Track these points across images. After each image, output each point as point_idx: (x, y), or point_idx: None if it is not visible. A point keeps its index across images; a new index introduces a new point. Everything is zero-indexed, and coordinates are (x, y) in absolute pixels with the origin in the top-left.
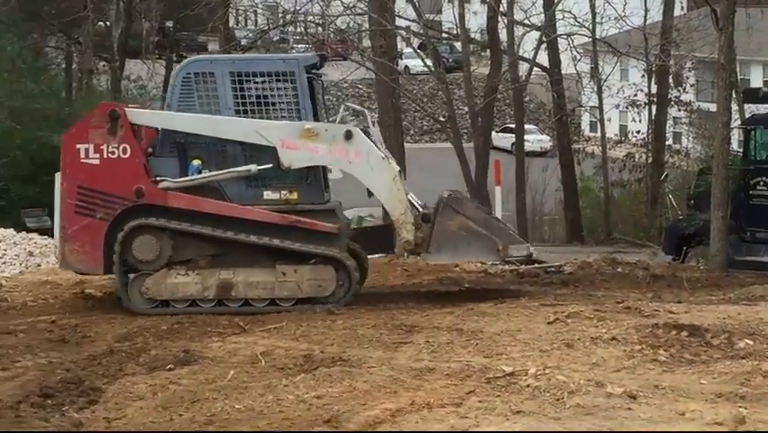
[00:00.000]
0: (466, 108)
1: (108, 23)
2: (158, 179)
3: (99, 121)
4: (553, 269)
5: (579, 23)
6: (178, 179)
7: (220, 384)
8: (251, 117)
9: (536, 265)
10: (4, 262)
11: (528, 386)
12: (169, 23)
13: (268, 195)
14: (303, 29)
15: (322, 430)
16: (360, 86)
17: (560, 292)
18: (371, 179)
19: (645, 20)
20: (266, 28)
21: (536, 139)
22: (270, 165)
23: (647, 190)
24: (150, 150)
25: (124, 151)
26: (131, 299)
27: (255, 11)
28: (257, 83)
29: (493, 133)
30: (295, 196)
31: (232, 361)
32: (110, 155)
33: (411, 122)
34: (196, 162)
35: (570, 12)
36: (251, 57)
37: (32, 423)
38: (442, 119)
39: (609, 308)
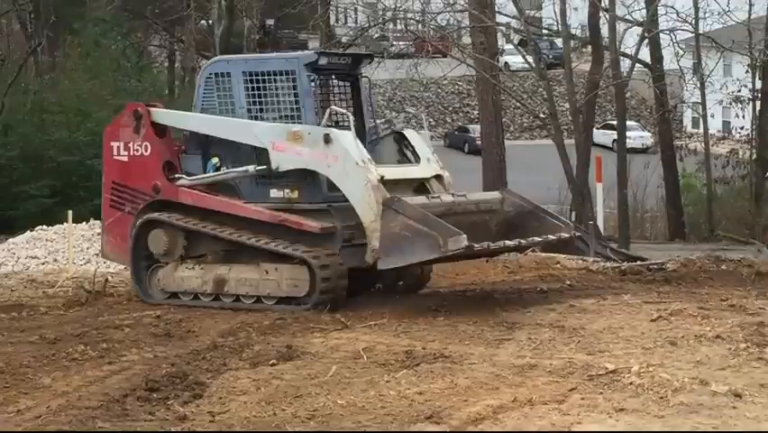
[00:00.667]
0: (567, 105)
1: (210, 21)
2: (176, 176)
3: (127, 120)
4: (655, 266)
5: (681, 18)
6: (192, 177)
7: (322, 380)
8: (261, 117)
9: (639, 263)
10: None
11: (631, 384)
12: (270, 21)
13: (273, 193)
14: (403, 26)
15: (424, 428)
16: (459, 83)
17: (663, 290)
18: (346, 183)
19: (750, 14)
20: (366, 25)
21: (638, 135)
22: (265, 166)
23: (751, 187)
24: (183, 147)
25: (146, 148)
26: (148, 288)
27: (355, 8)
28: (265, 83)
29: (594, 129)
30: (296, 195)
31: (334, 356)
32: (135, 153)
33: (511, 119)
34: (213, 160)
35: (672, 7)
36: (260, 56)
37: (137, 416)
38: (542, 116)
39: (713, 306)
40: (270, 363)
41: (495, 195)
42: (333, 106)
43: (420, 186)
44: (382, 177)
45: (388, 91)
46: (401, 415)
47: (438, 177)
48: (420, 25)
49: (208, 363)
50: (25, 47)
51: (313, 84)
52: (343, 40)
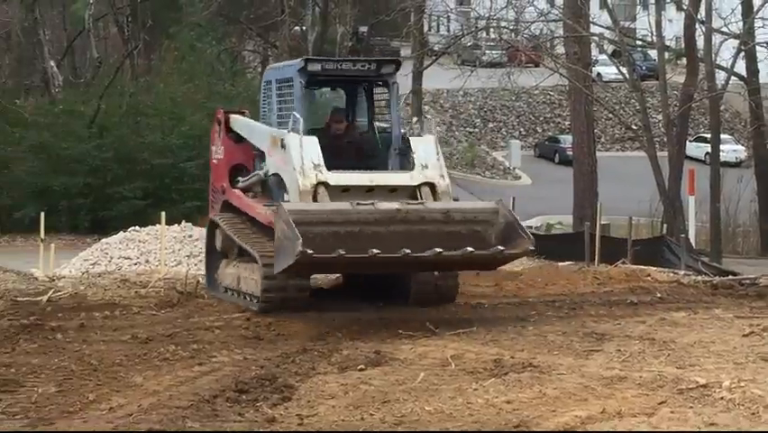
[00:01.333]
0: (659, 117)
1: (304, 27)
2: (238, 179)
3: (215, 125)
4: (747, 281)
5: None
6: (242, 181)
7: (410, 386)
8: (282, 124)
9: (731, 277)
10: (201, 261)
11: (722, 399)
12: (364, 28)
13: (286, 196)
14: (496, 35)
15: None
16: (551, 92)
17: (755, 305)
18: (289, 187)
19: None
20: (459, 34)
21: (731, 149)
22: (271, 170)
23: None
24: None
25: (222, 152)
26: (212, 282)
27: (448, 16)
28: (282, 90)
29: (687, 142)
30: None
31: (422, 363)
32: (217, 156)
33: (603, 130)
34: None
35: None
36: (280, 65)
37: (227, 417)
38: (634, 127)
39: None
40: (359, 368)
41: (486, 205)
42: (295, 112)
43: (413, 193)
44: (321, 183)
45: (479, 100)
46: (489, 423)
47: (430, 184)
48: (513, 34)
49: (297, 366)
50: (122, 50)
51: (308, 90)
52: (436, 48)
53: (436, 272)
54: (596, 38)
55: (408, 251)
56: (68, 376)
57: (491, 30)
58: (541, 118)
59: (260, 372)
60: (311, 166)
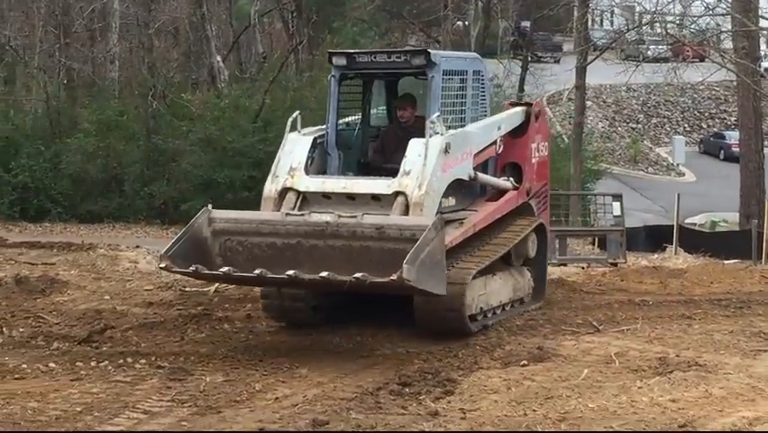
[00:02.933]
0: None
1: (467, 22)
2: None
3: None
4: None
5: None
6: None
7: (573, 382)
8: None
9: None
10: None
11: None
12: (526, 23)
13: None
14: (662, 29)
15: None
16: (717, 88)
17: None
18: None
19: None
20: (623, 29)
21: None
22: None
23: None
24: None
25: None
26: None
27: (612, 11)
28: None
29: None
30: (452, 202)
31: (585, 360)
32: None
33: None
34: None
35: None
36: None
37: (390, 410)
38: None
39: None
40: (522, 363)
41: (420, 222)
42: (297, 111)
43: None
44: (289, 189)
45: (643, 95)
46: (653, 422)
47: (403, 194)
48: (679, 29)
49: (460, 360)
50: (286, 45)
51: (338, 84)
52: (599, 43)
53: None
54: (765, 32)
55: (293, 273)
56: (235, 366)
57: (656, 24)
58: (706, 114)
59: (422, 365)
60: (286, 170)
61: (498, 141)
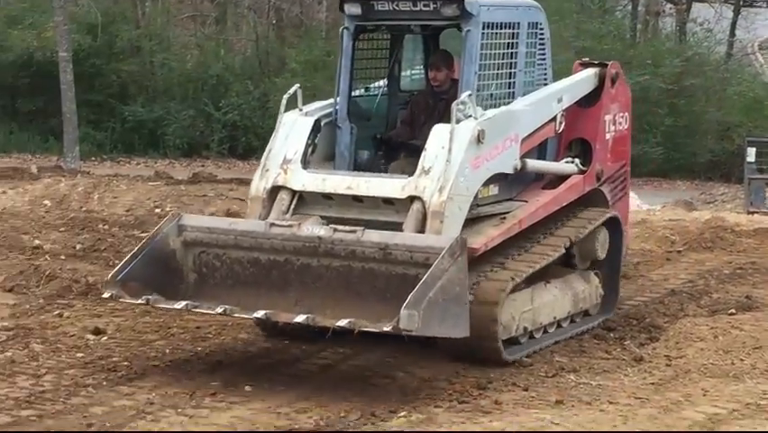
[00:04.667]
0: None
1: None
2: None
3: None
4: None
5: None
6: None
7: None
8: None
9: None
10: None
11: None
12: None
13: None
14: None
15: None
16: None
17: None
18: None
19: None
20: None
21: None
22: None
23: None
24: None
25: None
26: None
27: None
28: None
29: None
30: (493, 191)
31: None
32: None
33: None
34: None
35: None
36: None
37: (593, 354)
38: None
39: None
40: (729, 312)
41: (434, 243)
42: (297, 84)
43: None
44: (281, 187)
45: None
46: None
47: (419, 199)
48: None
49: (665, 307)
50: None
51: (353, 39)
52: None
53: None
54: None
55: (263, 314)
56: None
57: None
58: None
59: (629, 311)
60: (278, 162)
61: (559, 116)
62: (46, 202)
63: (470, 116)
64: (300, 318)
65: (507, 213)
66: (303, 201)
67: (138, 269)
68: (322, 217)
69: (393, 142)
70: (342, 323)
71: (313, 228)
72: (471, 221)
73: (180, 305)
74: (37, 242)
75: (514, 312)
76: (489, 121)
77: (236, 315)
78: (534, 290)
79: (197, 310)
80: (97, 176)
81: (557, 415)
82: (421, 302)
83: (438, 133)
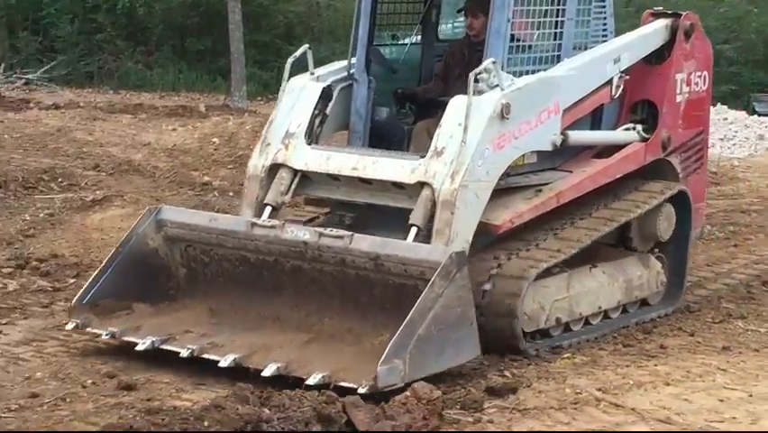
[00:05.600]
0: None
1: None
2: None
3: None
4: None
5: None
6: None
7: None
8: None
9: None
10: (735, 144)
11: None
12: None
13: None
14: None
15: None
16: None
17: None
18: None
19: None
20: None
21: None
22: None
23: None
24: None
25: None
26: None
27: None
28: None
29: None
30: (532, 159)
31: None
32: None
33: None
34: None
35: None
36: None
37: (762, 301)
38: None
39: None
40: None
41: (429, 255)
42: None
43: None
44: (280, 165)
45: None
46: None
47: (429, 186)
48: None
49: None
50: None
51: None
52: None
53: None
54: None
55: (233, 360)
56: None
57: None
58: None
59: None
60: (280, 136)
61: (617, 78)
62: (214, 140)
63: (496, 86)
64: (271, 370)
65: (545, 185)
66: (308, 181)
67: (110, 282)
68: (328, 200)
69: (420, 99)
70: (317, 377)
71: (297, 232)
72: (503, 192)
73: (146, 342)
74: (206, 178)
75: (542, 301)
76: (518, 92)
77: (204, 356)
78: (573, 275)
79: (162, 348)
80: (264, 115)
81: (723, 361)
82: (406, 347)
83: (455, 105)
